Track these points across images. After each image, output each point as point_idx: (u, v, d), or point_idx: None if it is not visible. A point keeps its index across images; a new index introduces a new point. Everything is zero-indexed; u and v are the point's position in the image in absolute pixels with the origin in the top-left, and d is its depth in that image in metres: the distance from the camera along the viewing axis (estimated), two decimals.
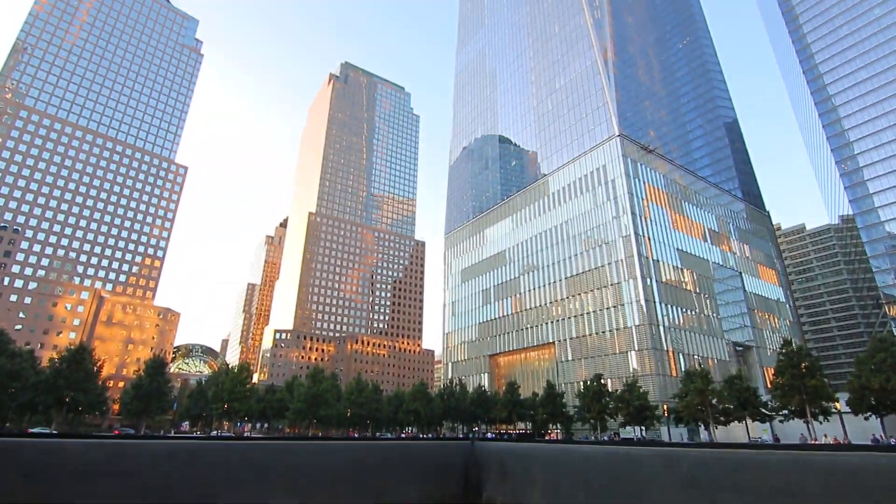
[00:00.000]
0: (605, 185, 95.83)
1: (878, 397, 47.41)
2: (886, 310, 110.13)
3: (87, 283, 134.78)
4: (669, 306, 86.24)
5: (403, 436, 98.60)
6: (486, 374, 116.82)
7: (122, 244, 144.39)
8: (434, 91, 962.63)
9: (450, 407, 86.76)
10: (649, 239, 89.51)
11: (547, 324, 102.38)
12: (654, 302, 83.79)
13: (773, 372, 59.53)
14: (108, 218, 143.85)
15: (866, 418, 50.14)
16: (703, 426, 62.79)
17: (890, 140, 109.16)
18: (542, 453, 46.90)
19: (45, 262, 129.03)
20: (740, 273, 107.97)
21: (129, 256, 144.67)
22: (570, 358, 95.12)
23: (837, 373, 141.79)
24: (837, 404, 51.74)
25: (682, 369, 77.78)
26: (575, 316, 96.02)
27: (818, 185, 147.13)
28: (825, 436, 53.72)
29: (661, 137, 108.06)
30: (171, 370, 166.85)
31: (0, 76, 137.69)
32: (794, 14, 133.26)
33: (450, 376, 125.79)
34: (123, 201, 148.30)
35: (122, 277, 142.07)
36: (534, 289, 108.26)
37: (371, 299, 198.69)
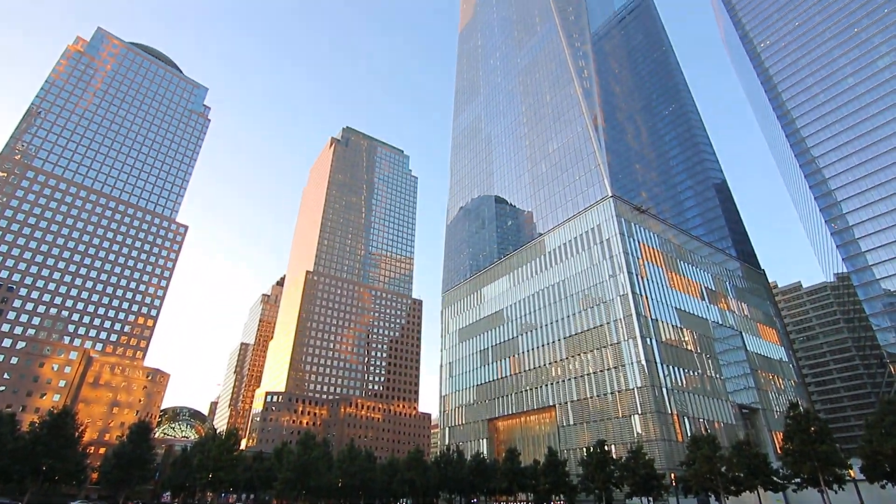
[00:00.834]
0: (601, 244, 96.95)
1: (892, 464, 45.39)
2: (891, 369, 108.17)
3: (77, 342, 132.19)
4: (671, 367, 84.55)
5: None
6: (484, 440, 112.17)
7: (115, 303, 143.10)
8: (432, 153, 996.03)
9: (447, 476, 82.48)
10: (647, 298, 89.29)
11: (547, 385, 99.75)
12: (656, 362, 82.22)
13: (781, 436, 57.36)
14: (104, 276, 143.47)
15: (882, 486, 47.74)
16: (713, 496, 59.62)
17: (877, 199, 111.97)
18: None
19: (35, 320, 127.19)
20: (740, 332, 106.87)
21: (121, 315, 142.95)
22: (571, 422, 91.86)
23: (849, 436, 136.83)
24: (852, 471, 49.44)
25: (688, 434, 74.96)
26: (575, 377, 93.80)
27: (810, 242, 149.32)
28: None
29: (653, 198, 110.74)
30: (156, 435, 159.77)
31: (11, 139, 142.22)
32: (773, 83, 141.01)
33: (447, 442, 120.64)
34: (121, 259, 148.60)
35: (114, 337, 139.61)
36: (533, 349, 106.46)
37: (366, 360, 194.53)
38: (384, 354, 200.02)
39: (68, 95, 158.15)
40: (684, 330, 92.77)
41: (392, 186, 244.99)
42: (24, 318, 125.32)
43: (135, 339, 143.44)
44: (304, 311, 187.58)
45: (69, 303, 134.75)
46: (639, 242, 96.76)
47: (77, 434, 66.98)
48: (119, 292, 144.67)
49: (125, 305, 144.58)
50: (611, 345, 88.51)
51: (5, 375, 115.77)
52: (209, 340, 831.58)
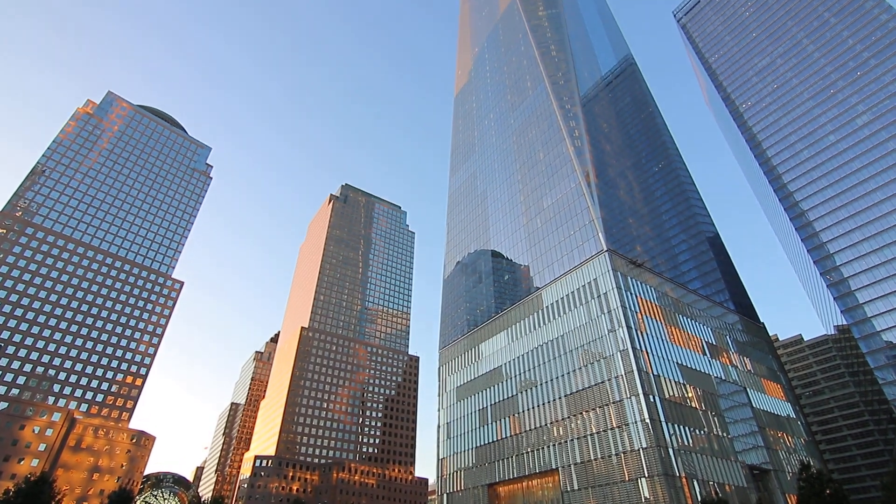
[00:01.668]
0: (598, 298, 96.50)
1: None
2: None
3: (62, 402, 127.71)
4: (676, 425, 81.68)
5: None
6: None
7: (105, 360, 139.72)
8: (428, 209, 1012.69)
9: None
10: (647, 353, 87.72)
11: (549, 447, 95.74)
12: (660, 421, 79.47)
13: (795, 499, 54.47)
14: (94, 333, 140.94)
15: None
16: None
17: (868, 251, 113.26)
18: None
19: (21, 379, 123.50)
20: (745, 388, 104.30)
21: (109, 374, 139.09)
22: (576, 487, 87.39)
23: (865, 498, 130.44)
24: None
25: (699, 498, 71.20)
26: (578, 437, 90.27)
27: (807, 294, 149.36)
28: None
29: (648, 252, 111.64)
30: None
31: (14, 196, 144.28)
32: (757, 141, 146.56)
33: None
34: (113, 316, 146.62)
35: (100, 396, 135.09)
36: (533, 407, 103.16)
37: (361, 421, 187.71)
38: (379, 415, 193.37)
39: (74, 154, 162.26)
40: (688, 386, 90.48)
41: (389, 242, 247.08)
42: (8, 377, 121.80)
43: (121, 398, 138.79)
44: (298, 369, 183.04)
45: (56, 360, 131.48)
46: (636, 296, 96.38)
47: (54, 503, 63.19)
48: (109, 349, 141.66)
49: (114, 363, 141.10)
50: (613, 403, 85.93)
51: None
52: (199, 400, 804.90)
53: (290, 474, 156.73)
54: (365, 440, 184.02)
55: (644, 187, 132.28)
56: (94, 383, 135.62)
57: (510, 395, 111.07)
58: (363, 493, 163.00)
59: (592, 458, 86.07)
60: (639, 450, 78.48)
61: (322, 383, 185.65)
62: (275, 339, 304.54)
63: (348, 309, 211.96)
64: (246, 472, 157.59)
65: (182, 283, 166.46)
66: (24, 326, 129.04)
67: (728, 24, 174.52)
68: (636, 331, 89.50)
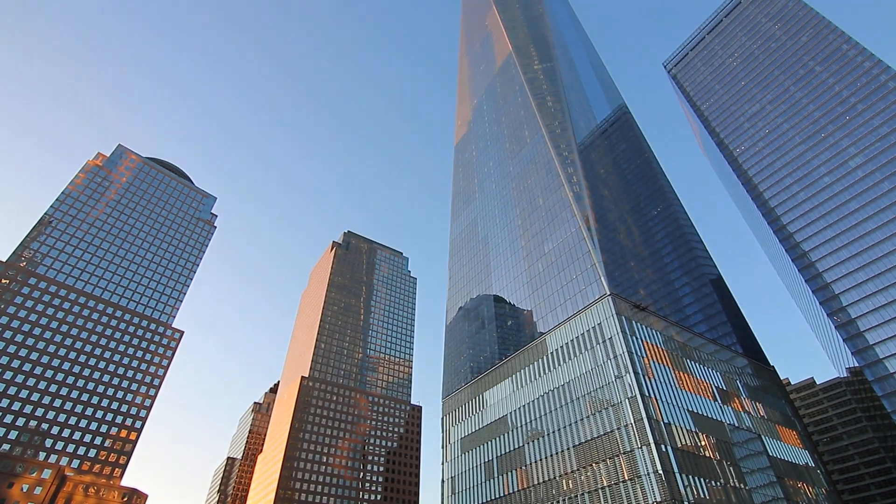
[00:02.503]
0: (603, 343, 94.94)
1: None
2: None
3: (53, 458, 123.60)
4: (691, 477, 78.18)
5: None
6: None
7: (99, 414, 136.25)
8: (430, 254, 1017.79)
9: None
10: (657, 400, 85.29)
11: (559, 502, 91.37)
12: (674, 472, 76.13)
13: None
14: (90, 385, 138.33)
15: None
16: None
17: (874, 292, 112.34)
18: None
19: (12, 434, 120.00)
20: (759, 435, 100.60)
21: (103, 428, 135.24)
22: None
23: None
24: None
25: None
26: (589, 491, 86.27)
27: (815, 336, 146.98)
28: None
29: (652, 295, 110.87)
30: None
31: (20, 246, 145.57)
32: (753, 184, 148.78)
33: None
34: (111, 367, 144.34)
35: (92, 452, 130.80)
36: (541, 459, 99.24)
37: (362, 475, 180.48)
38: (381, 469, 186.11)
39: (81, 206, 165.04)
40: (700, 434, 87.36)
41: (391, 288, 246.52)
42: (0, 430, 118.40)
43: (115, 454, 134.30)
44: (297, 421, 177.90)
45: (50, 414, 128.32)
46: (642, 341, 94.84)
47: None
48: (105, 402, 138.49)
49: (109, 417, 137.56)
50: (624, 453, 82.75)
51: None
52: (195, 451, 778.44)
53: None
54: (366, 496, 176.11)
55: (644, 231, 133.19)
56: (88, 437, 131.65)
57: (517, 447, 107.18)
58: None
59: None
60: None
61: (322, 436, 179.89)
62: (273, 390, 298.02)
63: (349, 357, 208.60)
64: None
65: (182, 333, 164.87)
66: (19, 378, 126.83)
67: (717, 74, 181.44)
68: (644, 376, 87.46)
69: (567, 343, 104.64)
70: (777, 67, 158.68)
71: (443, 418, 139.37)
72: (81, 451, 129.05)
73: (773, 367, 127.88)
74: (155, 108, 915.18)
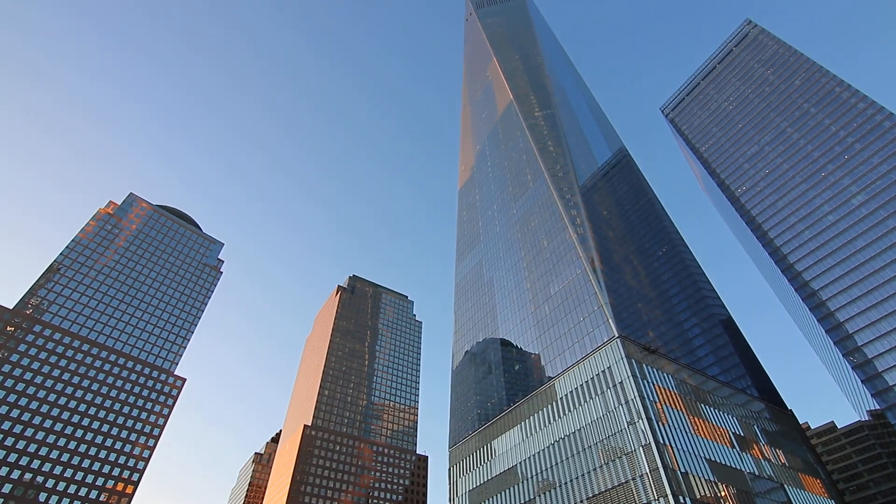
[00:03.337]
0: (614, 387, 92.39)
1: None
2: None
3: None
4: None
5: None
6: None
7: (96, 466, 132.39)
8: (435, 298, 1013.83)
9: None
10: (672, 447, 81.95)
11: None
12: None
13: None
14: (88, 436, 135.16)
15: None
16: None
17: (889, 330, 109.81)
18: None
19: (6, 487, 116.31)
20: (782, 484, 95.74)
21: (99, 481, 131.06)
22: None
23: None
24: None
25: None
26: None
27: (833, 378, 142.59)
28: None
29: (661, 337, 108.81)
30: None
31: (27, 293, 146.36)
32: (757, 223, 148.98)
33: None
34: (111, 416, 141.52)
35: None
36: None
37: None
38: None
39: (90, 253, 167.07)
40: (719, 484, 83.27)
41: (396, 332, 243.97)
42: None
43: None
44: (299, 473, 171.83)
45: (46, 466, 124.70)
46: (653, 384, 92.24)
47: None
48: (102, 454, 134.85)
49: (106, 469, 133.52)
50: None
51: None
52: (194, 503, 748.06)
53: None
54: None
55: (650, 272, 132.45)
56: (83, 491, 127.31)
57: (528, 499, 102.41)
58: None
59: None
60: None
61: (324, 488, 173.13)
62: (275, 439, 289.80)
63: (353, 404, 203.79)
64: None
65: (184, 380, 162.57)
66: (17, 429, 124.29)
67: (714, 117, 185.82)
68: (657, 422, 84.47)
69: (577, 388, 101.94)
70: (773, 110, 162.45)
71: (450, 468, 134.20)
72: None
73: (790, 410, 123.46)
74: (166, 154, 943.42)
